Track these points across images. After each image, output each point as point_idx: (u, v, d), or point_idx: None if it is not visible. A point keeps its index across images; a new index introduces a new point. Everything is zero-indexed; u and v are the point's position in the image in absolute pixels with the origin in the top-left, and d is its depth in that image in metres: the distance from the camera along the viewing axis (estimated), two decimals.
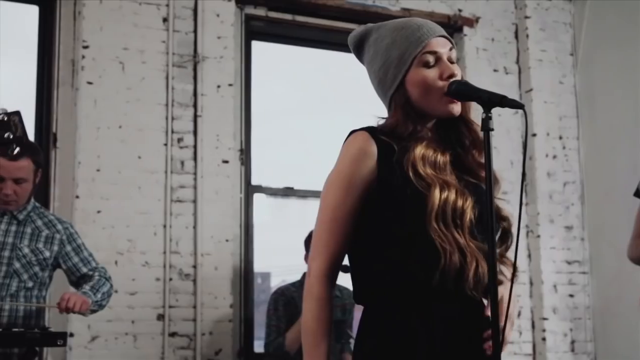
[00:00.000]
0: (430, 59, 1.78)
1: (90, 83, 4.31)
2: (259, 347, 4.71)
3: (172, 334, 4.25)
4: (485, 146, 1.66)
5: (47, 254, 3.13)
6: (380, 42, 1.84)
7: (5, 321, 2.97)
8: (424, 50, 1.78)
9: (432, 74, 1.78)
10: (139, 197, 4.31)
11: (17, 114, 1.75)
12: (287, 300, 4.04)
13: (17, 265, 3.04)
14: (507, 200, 1.88)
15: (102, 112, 4.30)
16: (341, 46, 5.15)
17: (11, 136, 1.72)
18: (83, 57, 4.31)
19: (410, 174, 1.70)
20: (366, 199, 1.75)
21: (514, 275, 1.63)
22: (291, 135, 5.16)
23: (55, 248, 3.15)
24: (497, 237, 1.76)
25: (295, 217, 5.13)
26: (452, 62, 1.80)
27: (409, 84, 1.79)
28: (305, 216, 5.07)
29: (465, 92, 1.74)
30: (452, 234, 1.67)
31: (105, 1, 4.40)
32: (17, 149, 1.83)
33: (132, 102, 4.38)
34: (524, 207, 1.67)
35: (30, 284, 3.06)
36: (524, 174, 1.70)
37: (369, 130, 1.79)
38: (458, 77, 1.78)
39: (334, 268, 1.76)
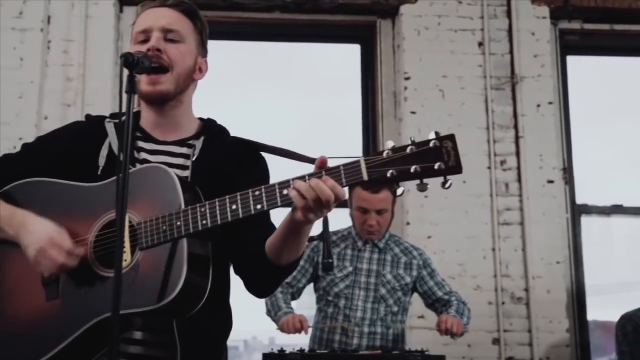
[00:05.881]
0: None
1: (413, 113, 4.46)
2: None
3: (509, 359, 4.21)
4: None
5: (408, 279, 3.27)
6: None
7: (378, 344, 3.14)
8: None
9: None
10: (467, 221, 4.35)
11: (451, 138, 1.38)
12: (636, 325, 3.80)
13: (383, 291, 3.21)
14: None
15: None
16: None
17: (443, 166, 1.34)
18: (405, 88, 4.48)
19: None
20: None
21: None
22: (616, 150, 4.89)
23: (414, 273, 3.29)
24: None
25: (623, 237, 4.85)
26: None
27: None
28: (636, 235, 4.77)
29: None
30: None
31: (423, 32, 4.54)
32: (450, 182, 1.38)
33: (453, 127, 4.44)
34: None
35: (395, 309, 3.22)
36: None
37: None
38: None
39: None
